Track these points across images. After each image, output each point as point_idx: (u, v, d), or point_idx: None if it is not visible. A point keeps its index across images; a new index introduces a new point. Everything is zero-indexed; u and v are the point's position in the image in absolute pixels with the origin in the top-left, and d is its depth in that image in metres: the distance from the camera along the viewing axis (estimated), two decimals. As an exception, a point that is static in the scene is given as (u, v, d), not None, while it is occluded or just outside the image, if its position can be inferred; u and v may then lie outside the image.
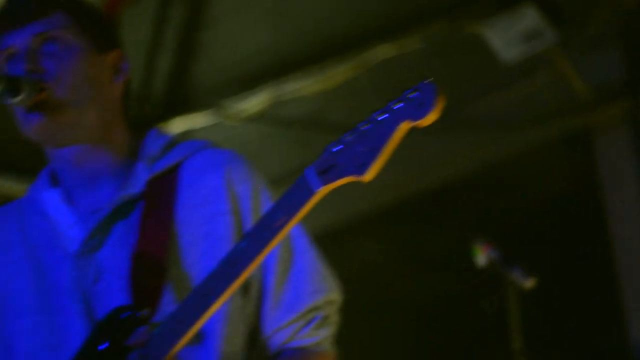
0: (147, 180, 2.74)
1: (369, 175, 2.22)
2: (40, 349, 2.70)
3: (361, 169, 2.22)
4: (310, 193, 2.29)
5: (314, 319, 2.72)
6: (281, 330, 2.70)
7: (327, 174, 2.27)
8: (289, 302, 2.70)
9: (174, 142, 2.84)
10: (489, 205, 6.63)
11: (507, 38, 5.89)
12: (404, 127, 2.20)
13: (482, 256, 5.08)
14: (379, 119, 2.21)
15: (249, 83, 6.03)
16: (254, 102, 6.08)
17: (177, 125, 6.01)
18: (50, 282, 2.73)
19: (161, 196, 2.73)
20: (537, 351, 5.27)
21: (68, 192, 2.79)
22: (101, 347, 2.58)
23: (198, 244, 2.69)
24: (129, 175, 2.76)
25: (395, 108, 2.19)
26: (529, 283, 5.09)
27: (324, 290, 2.74)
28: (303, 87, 6.04)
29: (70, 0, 2.78)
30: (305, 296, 2.71)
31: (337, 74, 6.03)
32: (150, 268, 2.63)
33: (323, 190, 2.29)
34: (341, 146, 2.27)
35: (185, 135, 5.89)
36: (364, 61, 5.99)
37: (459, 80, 6.05)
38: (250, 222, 2.70)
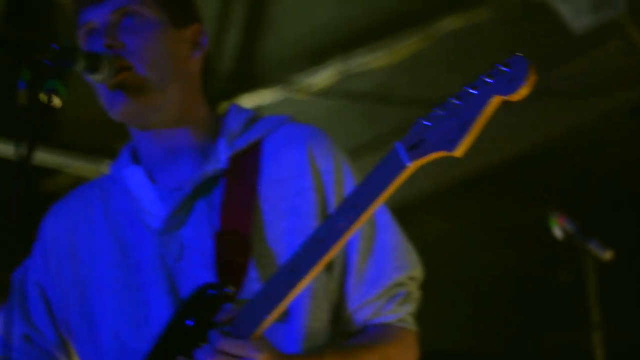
0: (229, 156, 2.74)
1: (459, 150, 2.20)
2: (124, 325, 2.72)
3: (451, 144, 2.20)
4: (401, 167, 2.27)
5: (397, 295, 2.71)
6: (365, 307, 2.70)
7: (416, 149, 2.25)
8: (372, 279, 2.69)
9: (255, 118, 2.83)
10: (561, 176, 6.57)
11: (576, 6, 5.81)
12: (495, 101, 2.17)
13: (558, 228, 5.04)
14: (470, 93, 2.18)
15: (317, 57, 6.00)
16: (322, 77, 6.06)
17: (246, 101, 6.01)
18: (133, 259, 2.75)
19: (244, 172, 2.73)
20: (614, 324, 5.23)
21: (149, 169, 2.80)
22: (188, 323, 2.59)
23: (281, 219, 2.68)
24: (210, 152, 2.76)
25: (486, 82, 2.16)
26: (607, 255, 5.05)
27: (407, 266, 2.73)
28: (371, 60, 6.01)
29: None
30: (389, 272, 2.70)
31: (404, 47, 5.99)
32: (235, 245, 2.64)
33: (413, 166, 2.27)
34: (431, 121, 2.25)
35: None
36: (432, 33, 5.94)
37: (528, 50, 5.97)
38: (333, 197, 2.70)
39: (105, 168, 6.19)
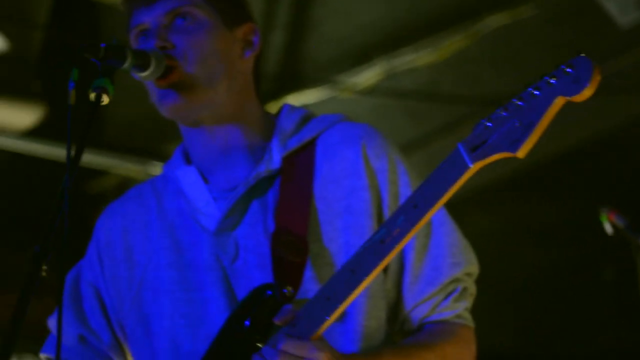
0: (283, 156, 2.73)
1: (522, 151, 2.19)
2: (180, 326, 2.72)
3: (514, 145, 2.19)
4: (464, 168, 2.26)
5: (453, 291, 2.70)
6: (421, 304, 2.69)
7: (479, 150, 2.24)
8: (428, 276, 2.68)
9: (308, 117, 2.83)
10: (604, 173, 6.53)
11: (622, 2, 5.76)
12: (558, 102, 2.16)
13: (608, 224, 5.00)
14: (533, 94, 2.17)
15: (362, 56, 6.00)
16: (367, 76, 6.06)
17: (291, 101, 6.00)
18: (188, 259, 2.75)
19: (298, 172, 2.72)
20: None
21: (202, 169, 2.80)
22: (246, 324, 2.60)
23: (336, 219, 2.68)
24: (264, 151, 2.76)
25: (549, 83, 2.15)
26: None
27: (463, 262, 2.71)
28: (415, 58, 6.00)
29: None
30: (445, 269, 2.69)
31: (449, 45, 5.97)
32: (291, 245, 2.63)
33: (474, 167, 2.26)
34: (493, 122, 2.24)
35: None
36: (477, 31, 5.92)
37: (574, 46, 5.93)
38: (388, 196, 2.69)
39: (151, 169, 6.23)
